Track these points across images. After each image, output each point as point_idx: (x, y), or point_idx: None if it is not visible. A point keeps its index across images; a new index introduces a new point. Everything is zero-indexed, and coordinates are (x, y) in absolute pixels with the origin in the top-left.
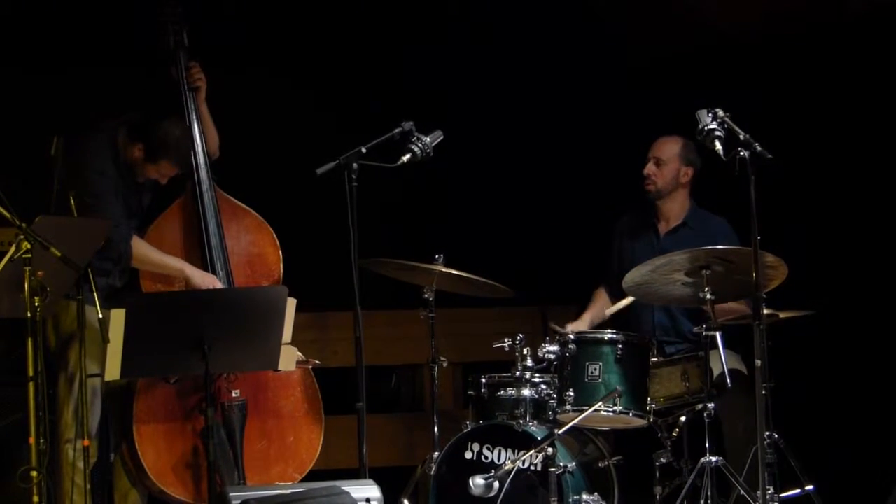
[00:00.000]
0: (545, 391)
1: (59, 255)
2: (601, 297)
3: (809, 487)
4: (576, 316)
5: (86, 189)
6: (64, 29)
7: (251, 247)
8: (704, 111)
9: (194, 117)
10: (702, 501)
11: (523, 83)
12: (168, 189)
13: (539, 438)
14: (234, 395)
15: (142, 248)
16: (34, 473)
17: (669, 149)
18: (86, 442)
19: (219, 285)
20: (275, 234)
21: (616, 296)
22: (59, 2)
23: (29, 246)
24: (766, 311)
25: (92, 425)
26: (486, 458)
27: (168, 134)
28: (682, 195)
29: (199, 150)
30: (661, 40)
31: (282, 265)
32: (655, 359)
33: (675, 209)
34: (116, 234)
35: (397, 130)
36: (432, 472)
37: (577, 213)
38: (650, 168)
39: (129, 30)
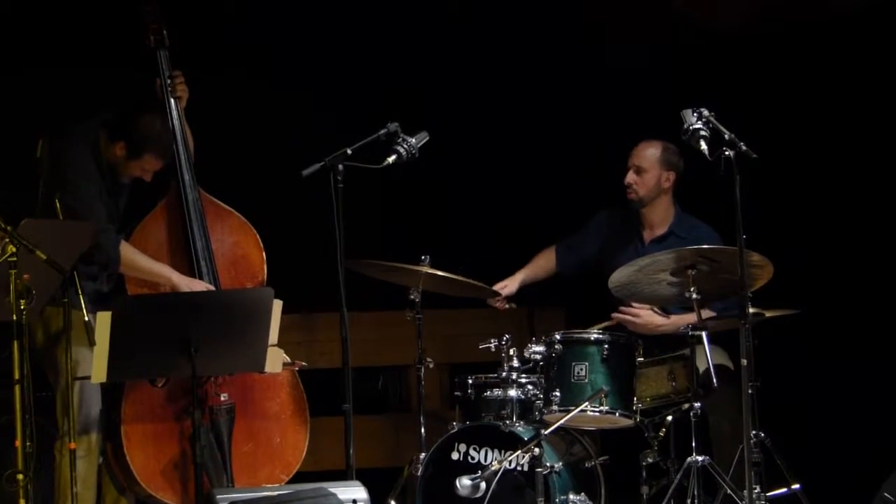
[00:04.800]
0: (531, 391)
1: (44, 258)
2: (547, 257)
3: (796, 486)
4: (561, 316)
5: (71, 194)
6: (47, 29)
7: (235, 248)
8: (689, 111)
9: (177, 116)
10: (688, 501)
11: (510, 84)
12: (151, 191)
13: (526, 439)
14: (222, 398)
15: (130, 254)
16: (20, 476)
17: (649, 155)
18: (72, 445)
19: (207, 288)
20: (258, 236)
21: (565, 268)
22: (40, 3)
23: (14, 249)
24: (751, 310)
25: (91, 423)
26: (473, 458)
27: (149, 127)
28: (665, 201)
29: (182, 151)
30: (643, 40)
31: (266, 266)
32: (642, 358)
33: (660, 215)
34: (105, 239)
35: (383, 132)
36: (419, 473)
37: (563, 214)
38: (631, 177)
39: (112, 29)
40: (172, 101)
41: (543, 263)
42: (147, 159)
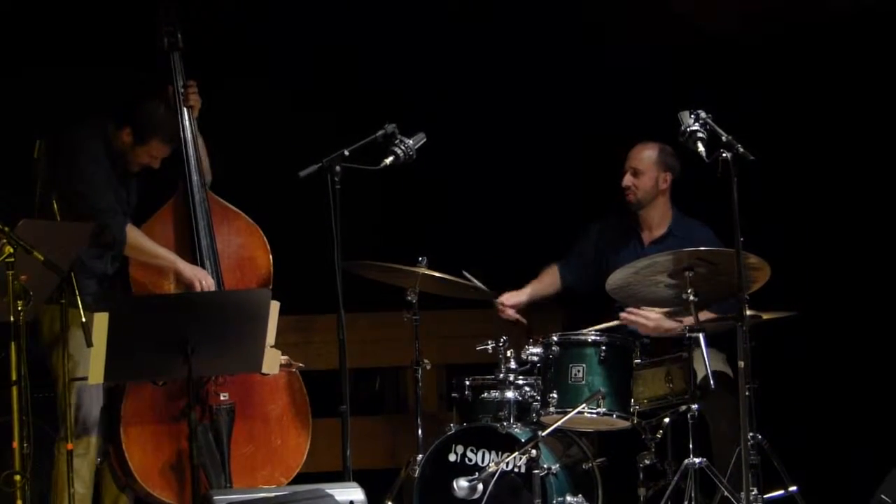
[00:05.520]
0: (529, 393)
1: (42, 258)
2: (552, 274)
3: (793, 488)
4: (559, 318)
5: (80, 177)
6: (53, 30)
7: (241, 250)
8: (687, 112)
9: (188, 124)
10: (685, 503)
11: (508, 84)
12: (159, 191)
13: (523, 440)
14: (222, 398)
15: (136, 237)
16: (17, 477)
17: (646, 157)
18: (69, 445)
19: (209, 279)
20: (265, 237)
21: (570, 284)
22: (51, 3)
23: (12, 250)
24: (749, 313)
25: (92, 424)
26: (470, 460)
27: (153, 112)
28: (662, 202)
29: (191, 153)
30: (641, 40)
31: (272, 268)
32: (639, 360)
33: (657, 217)
34: (113, 221)
35: (380, 133)
36: (416, 475)
37: (561, 216)
38: (628, 179)
39: (123, 31)
40: (185, 109)
41: (548, 280)
42: (154, 145)
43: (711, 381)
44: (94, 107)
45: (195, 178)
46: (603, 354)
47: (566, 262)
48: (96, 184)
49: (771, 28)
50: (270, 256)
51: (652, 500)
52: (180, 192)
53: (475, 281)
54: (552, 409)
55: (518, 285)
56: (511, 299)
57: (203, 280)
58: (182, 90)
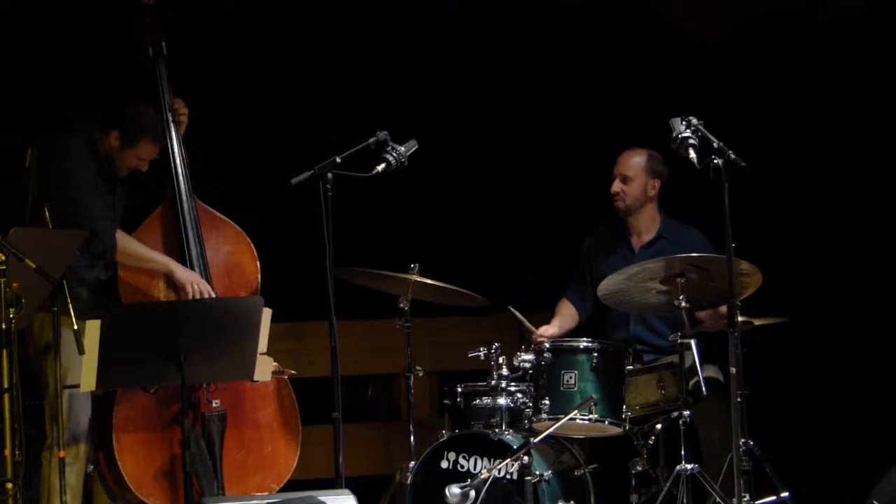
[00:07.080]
0: (521, 400)
1: (33, 266)
2: (567, 308)
3: (784, 494)
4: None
5: (67, 182)
6: (40, 39)
7: (229, 257)
8: (678, 119)
9: (175, 137)
10: None
11: (497, 91)
12: (147, 199)
13: (515, 447)
14: (213, 405)
15: (126, 242)
16: (9, 485)
17: (634, 164)
18: (61, 453)
19: (203, 282)
20: (252, 244)
21: (587, 311)
22: (36, 12)
23: (3, 258)
24: (740, 319)
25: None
26: (462, 466)
27: (141, 114)
28: (651, 208)
29: (178, 161)
30: (634, 47)
31: (259, 275)
32: (631, 367)
33: (646, 222)
34: (101, 228)
35: (372, 140)
36: (408, 482)
37: (552, 222)
38: (617, 185)
39: (108, 40)
40: (172, 124)
41: (568, 314)
42: (143, 146)
43: (703, 388)
44: (78, 111)
45: (184, 186)
46: (595, 361)
47: (571, 293)
48: (84, 190)
49: (767, 34)
50: (258, 263)
51: None
52: (168, 201)
53: (520, 316)
54: (544, 415)
55: (512, 293)
56: (548, 331)
57: (196, 283)
58: (169, 103)
